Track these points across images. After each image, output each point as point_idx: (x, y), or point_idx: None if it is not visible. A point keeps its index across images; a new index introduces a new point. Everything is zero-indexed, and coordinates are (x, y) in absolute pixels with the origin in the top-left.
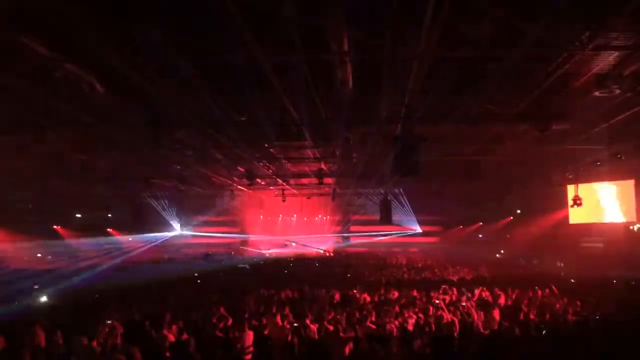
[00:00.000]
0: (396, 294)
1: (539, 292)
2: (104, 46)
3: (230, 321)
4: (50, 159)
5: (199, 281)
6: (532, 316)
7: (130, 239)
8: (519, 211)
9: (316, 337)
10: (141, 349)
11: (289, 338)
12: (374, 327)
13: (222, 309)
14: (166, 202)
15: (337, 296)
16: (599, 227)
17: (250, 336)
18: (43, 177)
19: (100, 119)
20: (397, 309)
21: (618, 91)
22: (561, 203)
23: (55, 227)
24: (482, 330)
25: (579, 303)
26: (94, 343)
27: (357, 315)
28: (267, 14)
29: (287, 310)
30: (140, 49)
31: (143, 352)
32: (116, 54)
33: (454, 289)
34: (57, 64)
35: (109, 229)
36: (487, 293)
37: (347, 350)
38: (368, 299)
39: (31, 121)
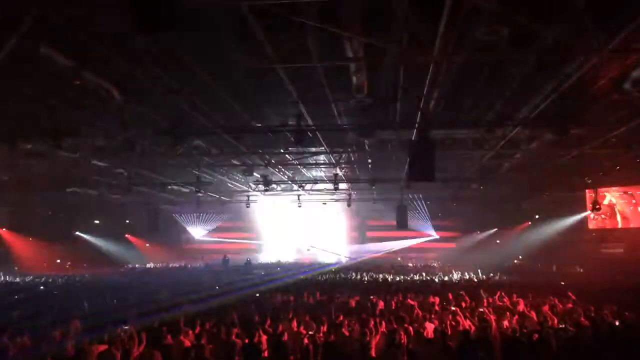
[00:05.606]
0: (413, 300)
1: (555, 300)
2: (124, 55)
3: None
4: (69, 166)
5: None
6: (550, 322)
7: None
8: (537, 216)
9: (332, 343)
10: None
11: (305, 344)
12: (389, 333)
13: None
14: (183, 207)
15: (353, 302)
16: (618, 232)
17: (264, 342)
18: (63, 184)
19: (119, 127)
20: (414, 315)
21: (637, 94)
22: (580, 208)
23: (77, 233)
24: (499, 337)
25: (592, 308)
26: (113, 348)
27: (373, 321)
28: (284, 20)
29: (303, 316)
30: (160, 57)
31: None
32: (135, 63)
33: (472, 294)
34: (77, 72)
35: (127, 235)
36: (506, 299)
37: (363, 356)
38: (382, 305)
39: (50, 128)
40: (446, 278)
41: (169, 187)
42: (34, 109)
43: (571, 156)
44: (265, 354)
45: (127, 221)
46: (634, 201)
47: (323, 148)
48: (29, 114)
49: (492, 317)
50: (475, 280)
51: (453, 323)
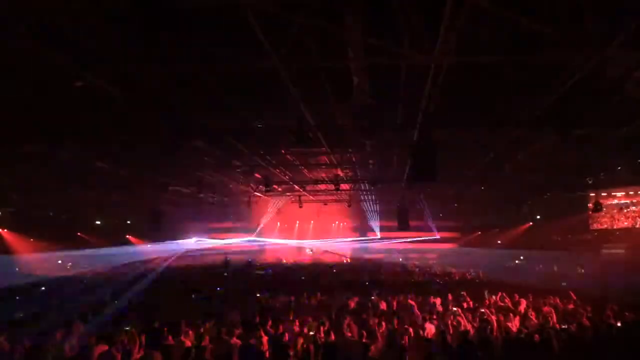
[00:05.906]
0: (414, 301)
1: (556, 300)
2: (125, 56)
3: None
4: (70, 167)
5: None
6: (552, 323)
7: (148, 247)
8: (538, 217)
9: (332, 344)
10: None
11: (305, 345)
12: (390, 333)
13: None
14: (184, 208)
15: (353, 303)
16: (620, 232)
17: (265, 342)
18: (63, 185)
19: (120, 128)
20: (414, 316)
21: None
22: (582, 208)
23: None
24: (501, 337)
25: (589, 308)
26: (114, 349)
27: (373, 322)
28: (285, 21)
29: (303, 317)
30: (162, 58)
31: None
32: (136, 64)
33: (473, 295)
34: (77, 73)
35: (128, 236)
36: (508, 299)
37: (363, 356)
38: (384, 306)
39: (51, 130)
40: (447, 278)
41: (170, 187)
42: (34, 110)
43: (573, 156)
44: (267, 354)
45: (128, 222)
46: (634, 201)
47: (324, 149)
48: (29, 114)
49: (494, 318)
50: (477, 280)
51: (454, 323)
